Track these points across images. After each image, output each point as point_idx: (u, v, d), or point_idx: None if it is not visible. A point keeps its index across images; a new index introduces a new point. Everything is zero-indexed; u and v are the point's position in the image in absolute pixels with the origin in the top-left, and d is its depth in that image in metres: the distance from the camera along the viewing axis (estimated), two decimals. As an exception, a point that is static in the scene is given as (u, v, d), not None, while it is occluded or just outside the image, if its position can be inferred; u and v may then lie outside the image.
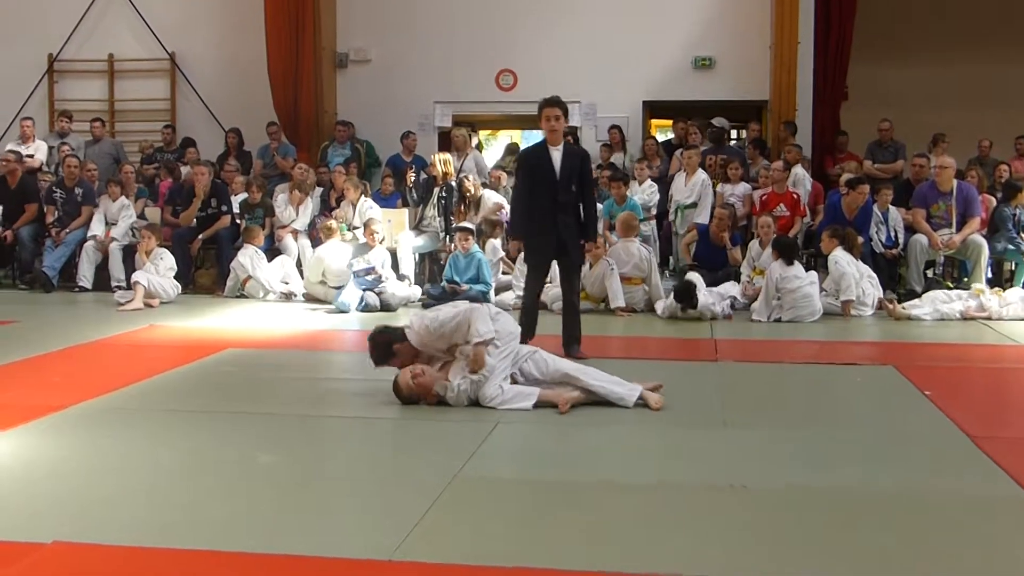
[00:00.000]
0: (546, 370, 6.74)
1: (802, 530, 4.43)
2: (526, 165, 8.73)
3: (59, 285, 13.08)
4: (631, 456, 5.69)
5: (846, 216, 11.97)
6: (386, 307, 11.33)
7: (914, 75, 16.73)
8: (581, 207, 8.49)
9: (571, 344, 8.41)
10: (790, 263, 10.69)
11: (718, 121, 15.03)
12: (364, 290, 11.35)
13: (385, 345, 6.67)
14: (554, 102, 8.39)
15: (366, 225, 12.02)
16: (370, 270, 11.48)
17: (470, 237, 11.81)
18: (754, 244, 11.84)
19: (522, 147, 14.49)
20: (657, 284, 11.38)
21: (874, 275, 11.24)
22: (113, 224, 13.27)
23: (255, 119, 15.80)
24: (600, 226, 12.24)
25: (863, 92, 15.88)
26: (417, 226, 12.81)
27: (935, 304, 10.78)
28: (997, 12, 16.76)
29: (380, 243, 11.97)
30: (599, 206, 12.56)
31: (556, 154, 8.36)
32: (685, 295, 10.54)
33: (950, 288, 11.62)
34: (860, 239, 11.71)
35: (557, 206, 8.30)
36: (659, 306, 10.99)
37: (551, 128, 8.37)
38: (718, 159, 13.70)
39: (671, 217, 13.16)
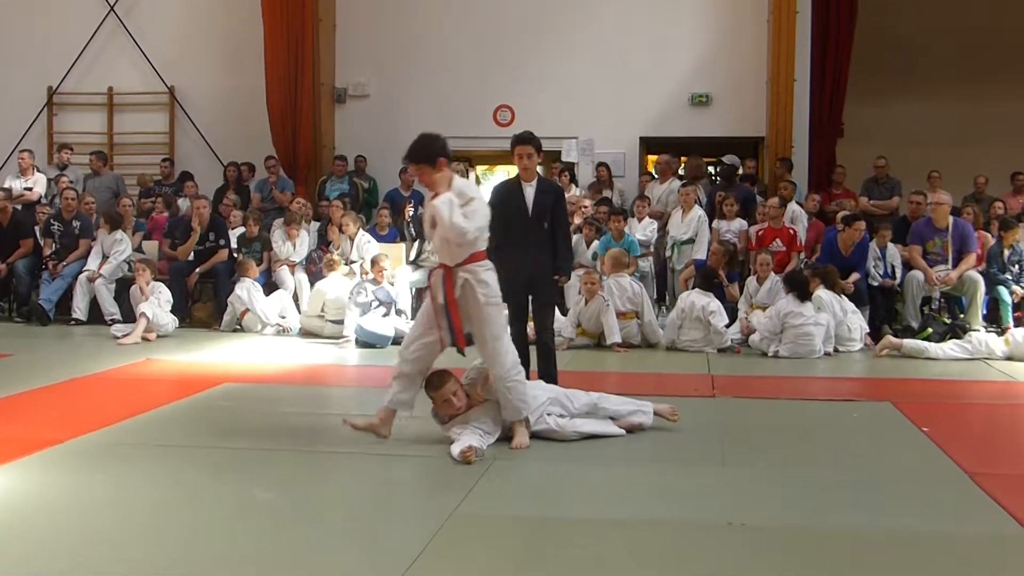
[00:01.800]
0: (572, 407, 6.77)
1: (803, 570, 4.41)
2: (497, 201, 8.49)
3: (55, 318, 13.09)
4: (628, 493, 5.67)
5: (842, 252, 12.01)
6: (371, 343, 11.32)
7: (909, 112, 16.83)
8: (554, 244, 8.40)
9: (546, 380, 8.16)
10: (803, 300, 10.69)
11: (728, 158, 15.09)
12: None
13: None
14: (525, 139, 8.33)
15: (374, 261, 11.98)
16: (373, 303, 11.50)
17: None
18: (751, 281, 11.86)
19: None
20: (651, 319, 11.39)
21: (857, 311, 11.27)
22: (108, 258, 13.26)
23: (254, 153, 15.87)
24: (597, 263, 12.29)
25: (859, 129, 15.96)
26: (414, 261, 12.81)
27: (944, 349, 10.75)
28: (991, 49, 16.88)
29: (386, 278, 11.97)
30: (596, 242, 12.62)
31: (529, 190, 8.30)
32: (708, 280, 10.85)
33: (946, 323, 11.63)
34: (856, 275, 11.76)
35: (529, 242, 8.21)
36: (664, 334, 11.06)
37: (523, 166, 8.32)
38: (729, 196, 13.63)
39: (668, 253, 13.17)
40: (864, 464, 6.26)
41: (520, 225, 8.21)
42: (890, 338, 11.02)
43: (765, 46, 15.51)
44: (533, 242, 8.22)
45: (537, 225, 8.25)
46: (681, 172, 15.47)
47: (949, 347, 10.72)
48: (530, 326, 8.44)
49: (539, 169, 8.78)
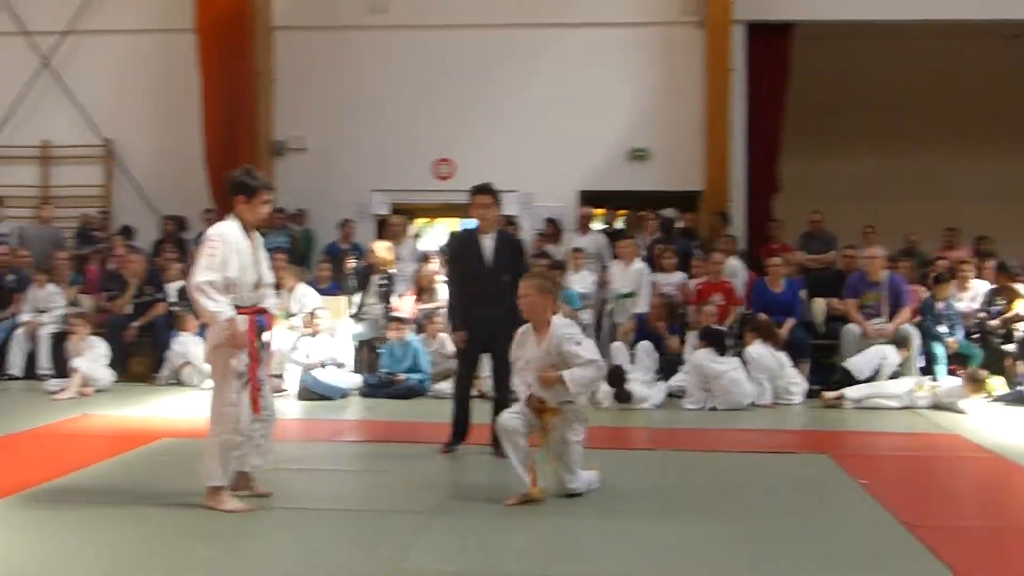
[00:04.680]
0: None
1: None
2: (456, 253, 8.54)
3: (-11, 373, 12.88)
4: (568, 549, 5.67)
5: (773, 292, 12.35)
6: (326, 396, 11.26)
7: (844, 168, 17.14)
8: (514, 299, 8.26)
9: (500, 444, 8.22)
10: (721, 354, 10.84)
11: (669, 212, 15.23)
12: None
13: None
14: (483, 189, 8.18)
15: (310, 314, 11.96)
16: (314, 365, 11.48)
17: (404, 327, 11.83)
18: (692, 334, 11.94)
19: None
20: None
21: (793, 366, 11.45)
22: (43, 311, 13.10)
23: (192, 205, 15.76)
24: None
25: (795, 184, 16.16)
26: (357, 314, 12.76)
27: (873, 389, 10.96)
28: (923, 109, 17.26)
29: (324, 331, 11.93)
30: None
31: (488, 241, 8.13)
32: (616, 383, 10.58)
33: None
34: (791, 321, 11.97)
35: (488, 296, 8.00)
36: (598, 393, 11.00)
37: (481, 216, 8.15)
38: (667, 249, 13.73)
39: (609, 306, 13.22)
40: (805, 517, 6.31)
41: (479, 278, 8.06)
42: (826, 393, 11.15)
43: (702, 102, 15.73)
44: (493, 296, 7.95)
45: (497, 278, 8.02)
46: (620, 226, 15.62)
47: (892, 382, 11.14)
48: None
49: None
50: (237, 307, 6.22)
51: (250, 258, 6.33)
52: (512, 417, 6.60)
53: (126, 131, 16.85)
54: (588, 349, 6.57)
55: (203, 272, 6.15)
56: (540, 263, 13.62)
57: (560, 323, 6.63)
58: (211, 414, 6.30)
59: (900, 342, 11.74)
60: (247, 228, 6.43)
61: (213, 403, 6.30)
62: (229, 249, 6.21)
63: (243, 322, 6.25)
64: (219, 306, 6.13)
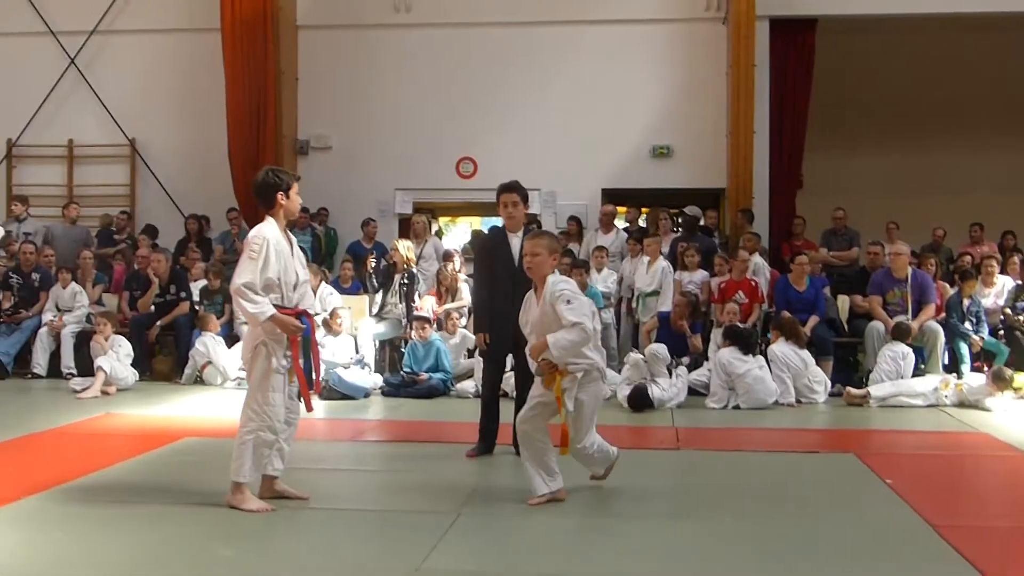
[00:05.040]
0: None
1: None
2: (484, 252, 8.44)
3: (13, 372, 12.93)
4: (592, 548, 5.64)
5: (797, 290, 12.28)
6: (349, 395, 11.26)
7: (868, 164, 17.07)
8: None
9: None
10: (746, 353, 10.79)
11: (690, 209, 15.18)
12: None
13: None
14: (511, 187, 8.09)
15: (332, 314, 11.97)
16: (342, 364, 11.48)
17: (427, 326, 11.82)
18: (716, 332, 11.89)
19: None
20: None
21: (816, 365, 11.38)
22: (66, 311, 13.16)
23: (216, 205, 15.82)
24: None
25: (818, 180, 16.12)
26: (378, 313, 12.77)
27: (898, 387, 10.90)
28: (946, 103, 17.17)
29: (345, 331, 11.95)
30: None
31: (515, 241, 8.00)
32: (638, 403, 10.54)
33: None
34: (814, 320, 11.92)
35: (516, 296, 7.65)
36: (619, 394, 10.95)
37: (508, 214, 8.09)
38: (690, 248, 13.70)
39: (633, 305, 13.19)
40: (830, 517, 6.27)
41: (507, 278, 7.96)
42: (850, 390, 11.09)
43: (725, 99, 15.67)
44: (520, 296, 7.59)
45: (523, 277, 7.59)
46: (642, 223, 15.57)
47: (918, 380, 11.05)
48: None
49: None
50: (279, 308, 6.23)
51: (290, 258, 6.35)
52: (525, 418, 6.56)
53: (151, 130, 16.96)
54: (576, 310, 6.27)
55: (243, 274, 6.16)
56: (563, 261, 13.61)
57: (554, 280, 6.46)
58: (245, 411, 6.28)
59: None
60: (283, 228, 6.43)
61: (248, 400, 6.29)
62: (271, 250, 6.22)
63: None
64: (259, 307, 6.14)
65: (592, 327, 6.31)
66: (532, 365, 6.53)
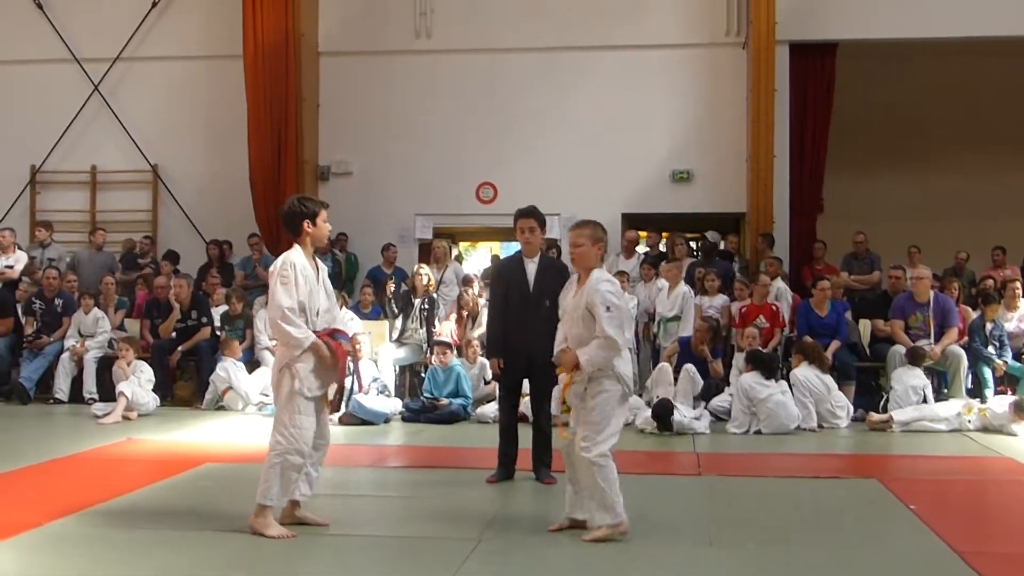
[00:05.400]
0: None
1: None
2: (499, 277, 8.42)
3: (36, 397, 12.99)
4: (616, 575, 5.61)
5: (818, 313, 12.24)
6: (369, 420, 11.24)
7: (888, 187, 17.05)
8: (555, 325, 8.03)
9: (540, 468, 8.03)
10: (768, 378, 10.75)
11: (711, 235, 15.16)
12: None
13: None
14: (528, 213, 8.02)
15: (351, 338, 11.95)
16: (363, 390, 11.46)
17: (448, 352, 11.81)
18: (739, 357, 11.86)
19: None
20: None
21: (834, 385, 11.31)
22: (88, 336, 13.21)
23: (237, 230, 15.90)
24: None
25: (838, 205, 16.10)
26: (399, 338, 12.77)
27: (921, 412, 10.83)
28: (967, 127, 17.15)
29: (366, 356, 11.93)
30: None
31: (531, 267, 8.01)
32: (663, 415, 10.50)
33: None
34: (836, 344, 11.88)
35: (529, 322, 7.86)
36: (639, 419, 10.91)
37: (526, 240, 8.02)
38: (710, 272, 13.70)
39: (654, 330, 13.17)
40: (854, 543, 6.22)
41: (521, 303, 7.96)
42: (873, 415, 11.02)
43: (745, 123, 15.67)
44: (534, 322, 7.80)
45: (538, 304, 7.84)
46: (663, 248, 15.55)
47: (940, 405, 10.98)
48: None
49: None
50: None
51: (316, 285, 6.37)
52: (569, 442, 6.46)
53: (173, 156, 17.08)
54: (614, 320, 6.13)
55: (282, 298, 6.18)
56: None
57: (598, 276, 6.29)
58: (273, 434, 6.28)
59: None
60: (311, 255, 6.46)
61: (276, 424, 6.29)
62: (298, 276, 6.25)
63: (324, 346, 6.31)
64: (302, 331, 6.20)
65: (626, 338, 6.23)
66: (561, 373, 6.45)
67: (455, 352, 12.24)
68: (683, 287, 12.98)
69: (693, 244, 16.35)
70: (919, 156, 17.22)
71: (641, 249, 15.61)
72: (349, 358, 6.55)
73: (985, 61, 16.75)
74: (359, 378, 7.25)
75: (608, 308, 6.14)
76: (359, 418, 11.17)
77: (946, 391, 11.86)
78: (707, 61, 16.20)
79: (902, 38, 15.52)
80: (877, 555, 5.92)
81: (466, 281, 13.77)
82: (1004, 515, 7.49)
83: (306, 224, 6.39)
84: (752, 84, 15.38)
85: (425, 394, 11.75)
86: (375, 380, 11.74)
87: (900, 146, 17.21)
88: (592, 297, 6.19)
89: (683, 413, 10.67)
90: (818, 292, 12.42)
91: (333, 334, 6.42)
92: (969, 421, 10.70)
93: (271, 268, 6.43)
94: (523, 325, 7.91)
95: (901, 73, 16.93)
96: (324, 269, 6.56)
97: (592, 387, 6.24)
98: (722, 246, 15.34)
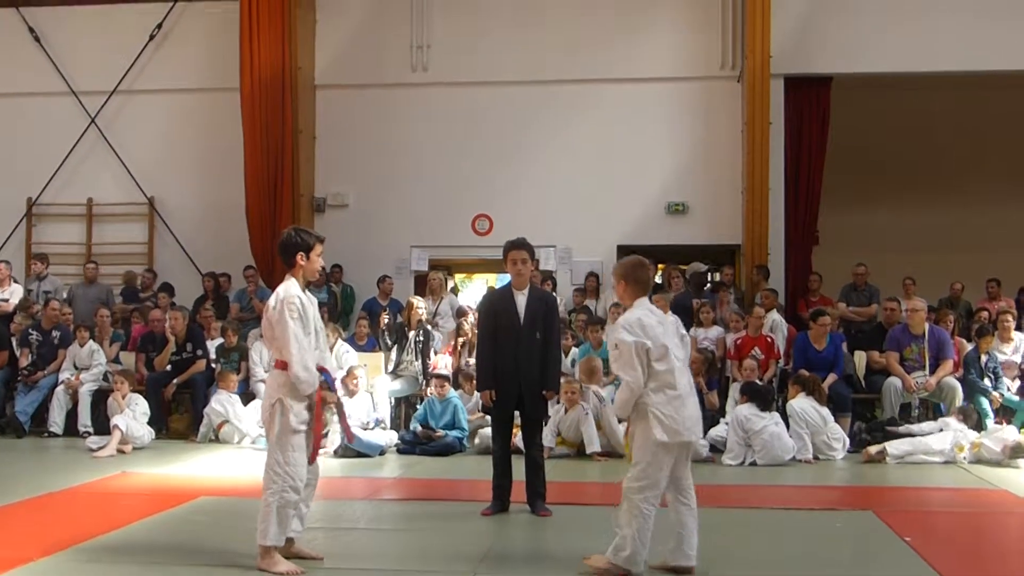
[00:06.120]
0: None
1: None
2: (489, 309, 8.41)
3: (30, 430, 12.96)
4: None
5: (815, 347, 12.21)
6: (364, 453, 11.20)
7: (884, 220, 17.10)
8: (544, 357, 8.04)
9: (535, 500, 8.03)
10: (763, 409, 10.76)
11: (696, 265, 15.19)
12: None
13: None
14: (519, 244, 8.08)
15: (348, 372, 11.96)
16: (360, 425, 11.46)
17: (446, 384, 11.80)
18: (735, 388, 11.86)
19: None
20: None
21: (831, 417, 11.28)
22: (83, 369, 13.18)
23: (233, 262, 15.90)
24: (576, 371, 12.25)
25: (834, 236, 16.13)
26: (394, 370, 12.77)
27: (915, 446, 10.83)
28: (962, 160, 17.25)
29: (362, 390, 11.93)
30: (575, 350, 12.62)
31: (521, 298, 8.04)
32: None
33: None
34: (832, 377, 11.85)
35: (520, 354, 7.93)
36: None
37: (517, 271, 8.05)
38: (704, 304, 13.74)
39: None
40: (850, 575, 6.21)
41: (511, 335, 7.98)
42: (868, 449, 11.00)
43: (740, 156, 15.73)
44: (524, 353, 7.93)
45: (529, 335, 7.96)
46: (658, 280, 15.56)
47: (934, 438, 10.92)
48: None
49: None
50: None
51: (312, 318, 6.38)
52: None
53: (169, 189, 17.12)
54: (617, 359, 6.10)
55: (299, 343, 6.19)
56: (579, 318, 13.65)
57: (623, 318, 6.21)
58: (267, 472, 6.26)
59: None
60: (303, 288, 6.46)
61: (269, 462, 6.26)
62: (305, 310, 6.26)
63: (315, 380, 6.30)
64: (312, 382, 6.21)
65: (640, 376, 6.01)
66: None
67: (451, 383, 12.23)
68: (671, 317, 12.94)
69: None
70: (915, 188, 17.27)
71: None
72: (328, 410, 6.53)
73: (981, 94, 16.85)
74: (346, 427, 7.20)
75: (616, 346, 6.11)
76: (354, 450, 11.15)
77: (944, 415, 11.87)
78: (702, 94, 16.27)
79: (897, 72, 15.60)
80: (872, 588, 5.92)
81: (460, 313, 13.79)
82: (1000, 547, 7.51)
83: (299, 256, 6.40)
84: (747, 117, 15.44)
85: (418, 420, 11.70)
86: (373, 419, 11.72)
87: (896, 178, 17.27)
88: (612, 338, 6.20)
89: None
90: (817, 327, 12.35)
91: (320, 372, 6.41)
92: (964, 458, 10.71)
93: (269, 301, 6.42)
94: (514, 357, 7.96)
95: (897, 105, 16.99)
96: (315, 303, 6.56)
97: (633, 427, 6.19)
98: (717, 277, 15.33)
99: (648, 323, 6.12)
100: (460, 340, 13.11)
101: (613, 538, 6.04)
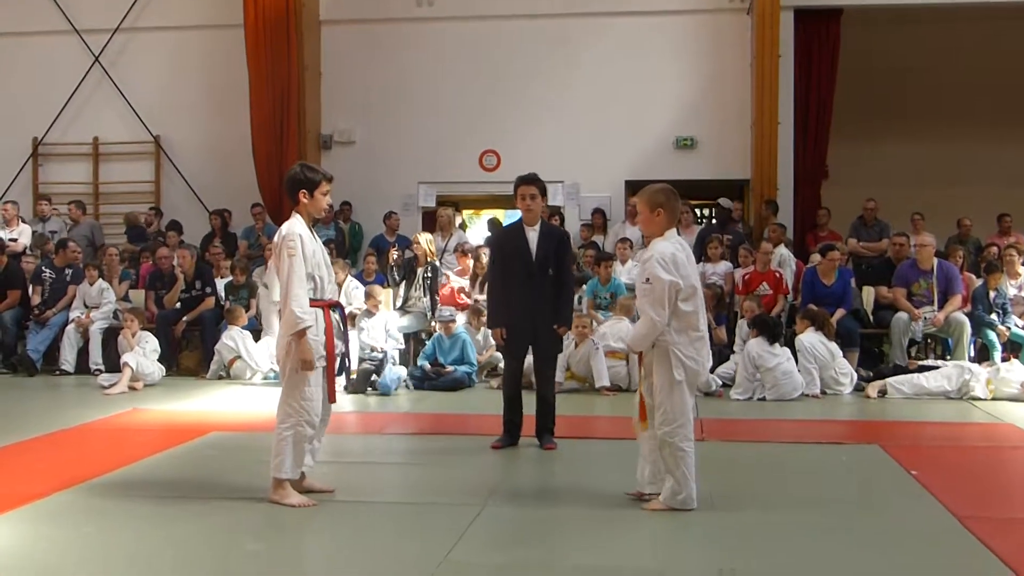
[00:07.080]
0: None
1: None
2: (500, 246, 8.38)
3: (42, 368, 13.03)
4: (618, 540, 5.64)
5: (824, 283, 12.17)
6: (384, 391, 11.21)
7: (893, 154, 16.96)
8: (557, 292, 8.00)
9: (543, 434, 8.06)
10: (772, 343, 10.76)
11: (724, 201, 15.13)
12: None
13: None
14: (529, 179, 7.98)
15: (368, 294, 12.01)
16: (375, 355, 11.46)
17: (452, 325, 11.80)
18: (742, 324, 11.87)
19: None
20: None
21: (839, 352, 11.28)
22: (93, 308, 13.22)
23: (240, 200, 15.89)
24: (585, 306, 12.27)
25: (843, 171, 16.07)
26: (402, 307, 12.80)
27: (916, 389, 10.81)
28: (975, 91, 17.04)
29: (383, 311, 11.99)
30: (583, 286, 12.63)
31: (532, 234, 7.97)
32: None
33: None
34: (841, 312, 11.85)
35: (532, 290, 7.88)
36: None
37: (527, 207, 7.97)
38: (724, 239, 13.70)
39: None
40: (855, 509, 6.25)
41: (523, 271, 7.93)
42: (869, 391, 10.97)
43: (749, 90, 15.63)
44: (536, 290, 7.88)
45: (540, 271, 7.91)
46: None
47: (934, 377, 10.86)
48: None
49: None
50: (314, 301, 6.23)
51: (320, 253, 6.35)
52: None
53: (175, 127, 17.07)
54: (649, 295, 5.91)
55: (298, 281, 6.13)
56: (587, 254, 13.64)
57: (654, 246, 6.04)
58: (282, 407, 6.27)
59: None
60: (310, 225, 6.42)
61: (284, 396, 6.27)
62: (305, 246, 6.21)
63: (320, 316, 6.26)
64: (306, 319, 6.12)
65: (666, 316, 5.90)
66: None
67: (462, 313, 12.28)
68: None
69: (697, 212, 16.32)
70: (924, 122, 17.13)
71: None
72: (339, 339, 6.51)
73: (994, 25, 16.63)
74: (332, 390, 7.03)
75: (647, 280, 5.97)
76: (364, 386, 11.19)
77: (948, 357, 11.88)
78: (712, 27, 16.13)
79: (908, 3, 15.45)
80: (877, 519, 5.95)
81: (466, 252, 13.83)
82: (1005, 481, 7.52)
83: (302, 194, 6.32)
84: (756, 50, 15.33)
85: (426, 358, 11.75)
86: (388, 347, 11.72)
87: (905, 112, 17.13)
88: (642, 269, 6.09)
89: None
90: (827, 262, 12.29)
91: (332, 307, 6.41)
92: (984, 396, 10.61)
93: (274, 239, 6.41)
94: (526, 293, 7.90)
95: (907, 38, 16.79)
96: (319, 240, 6.51)
97: (652, 366, 6.11)
98: (734, 214, 15.30)
99: (680, 260, 6.01)
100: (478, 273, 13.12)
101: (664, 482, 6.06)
